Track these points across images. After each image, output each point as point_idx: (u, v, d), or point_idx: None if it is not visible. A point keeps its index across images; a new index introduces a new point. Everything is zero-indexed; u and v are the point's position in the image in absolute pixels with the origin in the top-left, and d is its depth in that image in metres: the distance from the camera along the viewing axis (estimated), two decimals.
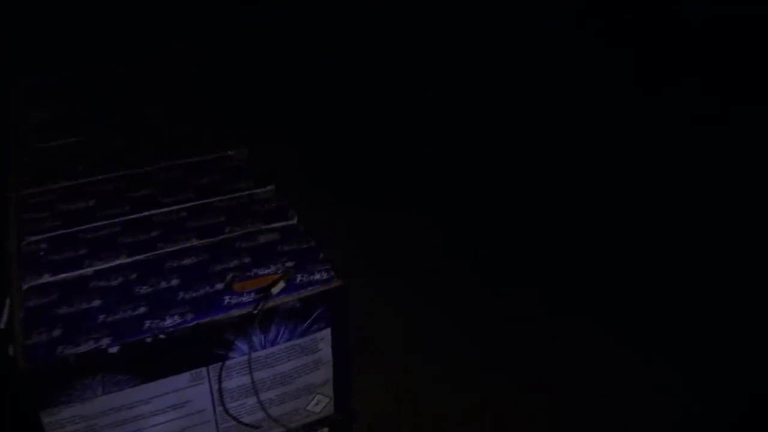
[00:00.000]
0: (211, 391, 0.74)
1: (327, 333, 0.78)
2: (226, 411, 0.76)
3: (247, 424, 0.79)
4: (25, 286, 0.75)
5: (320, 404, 0.83)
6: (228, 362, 0.73)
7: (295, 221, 0.88)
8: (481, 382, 0.96)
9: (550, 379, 0.98)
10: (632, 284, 1.16)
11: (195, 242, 0.83)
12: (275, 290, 0.74)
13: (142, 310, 0.72)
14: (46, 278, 0.77)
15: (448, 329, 1.06)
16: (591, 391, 0.97)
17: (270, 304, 0.73)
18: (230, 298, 0.73)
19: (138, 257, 0.81)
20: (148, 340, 0.68)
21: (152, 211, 0.89)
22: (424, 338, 1.05)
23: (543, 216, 1.33)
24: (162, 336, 0.69)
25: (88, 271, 0.78)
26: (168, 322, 0.70)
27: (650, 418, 0.92)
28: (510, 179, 1.42)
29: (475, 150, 1.50)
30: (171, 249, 0.82)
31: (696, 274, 1.16)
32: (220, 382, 0.74)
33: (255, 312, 0.72)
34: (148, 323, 0.70)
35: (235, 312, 0.72)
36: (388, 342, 1.04)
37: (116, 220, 0.88)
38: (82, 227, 0.86)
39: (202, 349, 0.71)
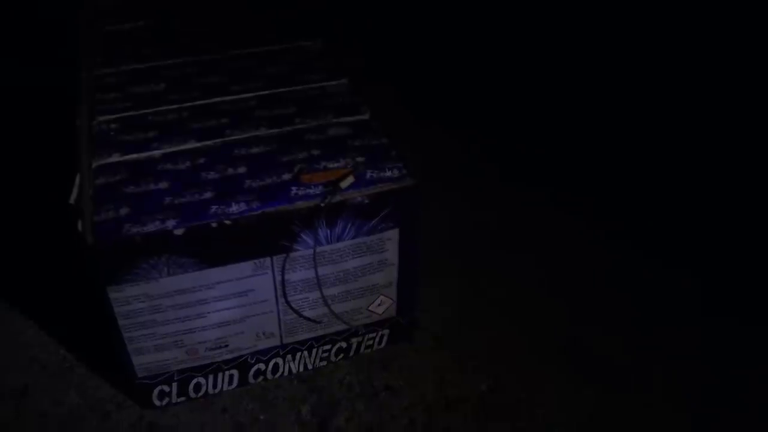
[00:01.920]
0: (274, 282, 0.73)
1: (395, 233, 0.75)
2: (288, 303, 0.75)
3: (308, 318, 0.78)
4: (95, 164, 0.74)
5: (383, 306, 0.81)
6: (292, 254, 0.72)
7: (367, 116, 0.83)
8: (546, 306, 0.92)
9: (602, 301, 0.93)
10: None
11: (264, 131, 0.80)
12: (344, 184, 0.71)
13: (208, 195, 0.70)
14: (116, 158, 0.76)
15: (513, 253, 1.01)
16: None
17: (338, 198, 0.70)
18: (297, 189, 0.70)
19: (206, 143, 0.78)
20: (213, 224, 0.67)
21: (222, 98, 0.86)
22: (489, 260, 1.00)
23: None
24: (227, 222, 0.67)
25: (157, 153, 0.77)
26: (234, 208, 0.68)
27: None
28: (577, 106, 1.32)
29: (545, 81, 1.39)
30: (239, 137, 0.79)
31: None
32: (283, 273, 0.73)
33: (322, 205, 0.69)
34: (213, 208, 0.68)
35: (302, 203, 0.69)
36: (455, 257, 1.00)
37: (186, 105, 0.85)
38: (152, 110, 0.85)
39: (266, 238, 0.70)
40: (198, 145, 0.78)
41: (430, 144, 1.21)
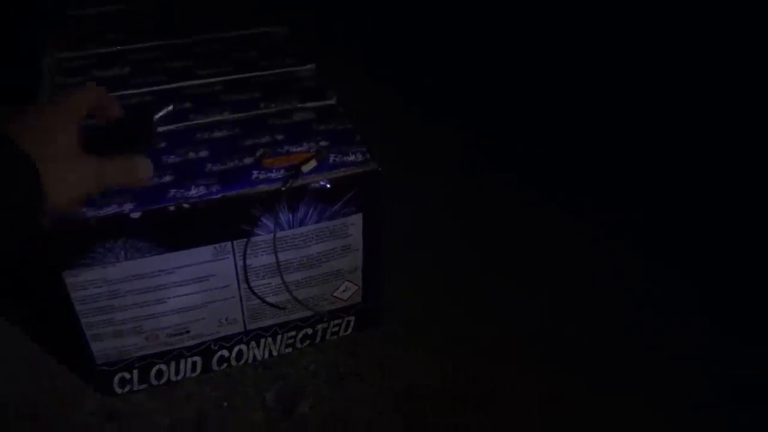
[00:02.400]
0: (236, 267, 0.72)
1: (358, 218, 0.74)
2: (251, 289, 0.75)
3: (271, 304, 0.77)
4: None
5: (348, 291, 0.81)
6: (254, 239, 0.71)
7: (333, 101, 0.82)
8: (524, 298, 0.92)
9: (584, 293, 0.93)
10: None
11: (228, 116, 0.79)
12: (306, 168, 0.70)
13: (167, 178, 0.69)
14: None
15: (493, 244, 1.01)
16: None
17: (299, 182, 0.69)
18: (259, 173, 0.70)
19: (168, 127, 0.77)
20: (171, 208, 0.66)
21: (187, 83, 0.85)
22: (466, 249, 1.00)
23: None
24: (186, 205, 0.66)
25: None
26: (193, 192, 0.67)
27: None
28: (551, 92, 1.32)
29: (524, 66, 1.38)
30: (202, 121, 0.78)
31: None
32: (244, 258, 0.72)
33: (283, 189, 0.68)
34: (172, 192, 0.67)
35: (263, 187, 0.69)
36: (430, 244, 1.00)
37: (149, 89, 0.84)
38: (116, 94, 0.83)
39: (226, 222, 0.69)
40: (160, 129, 0.77)
41: (421, 134, 1.21)
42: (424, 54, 1.42)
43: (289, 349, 0.83)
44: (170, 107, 0.55)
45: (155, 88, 0.84)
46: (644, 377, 0.81)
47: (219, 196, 0.67)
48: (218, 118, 0.79)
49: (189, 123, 0.78)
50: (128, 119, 0.53)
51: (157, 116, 0.54)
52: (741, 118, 1.17)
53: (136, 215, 0.65)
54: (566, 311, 0.90)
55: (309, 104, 0.82)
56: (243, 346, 0.80)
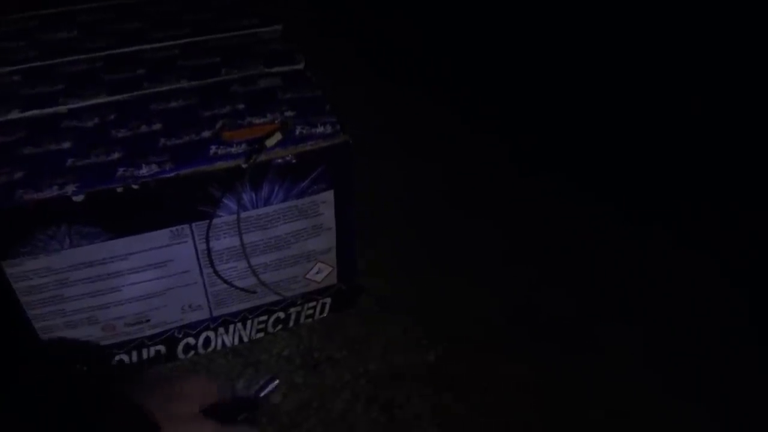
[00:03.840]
0: (196, 251, 0.66)
1: (329, 195, 0.68)
2: (217, 274, 0.69)
3: (241, 289, 0.72)
4: None
5: (322, 273, 0.75)
6: (215, 221, 0.65)
7: (301, 66, 0.75)
8: (504, 271, 0.87)
9: (573, 265, 0.88)
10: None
11: (185, 83, 0.72)
12: (270, 142, 0.63)
13: (116, 155, 0.62)
14: (15, 114, 0.67)
15: (472, 217, 0.95)
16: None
17: (262, 157, 0.63)
18: (217, 148, 0.63)
19: (119, 97, 0.70)
20: (119, 189, 0.59)
21: (141, 47, 0.78)
22: (445, 224, 0.94)
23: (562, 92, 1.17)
24: (135, 186, 0.60)
25: (62, 108, 0.68)
26: (144, 170, 0.60)
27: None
28: (538, 57, 1.25)
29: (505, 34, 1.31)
30: (157, 89, 0.71)
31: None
32: (207, 242, 0.66)
33: (244, 166, 0.62)
34: (120, 171, 0.60)
35: (222, 164, 0.62)
36: (408, 219, 0.94)
37: (100, 54, 0.77)
38: (61, 60, 0.76)
39: (183, 204, 0.62)
40: (110, 99, 0.70)
41: (406, 108, 1.14)
42: (415, 26, 1.35)
43: (261, 334, 0.78)
44: (276, 382, 0.63)
45: (106, 52, 0.77)
46: (639, 360, 0.77)
47: (172, 174, 0.61)
48: (175, 86, 0.72)
49: (142, 92, 0.71)
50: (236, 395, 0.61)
51: (262, 393, 0.62)
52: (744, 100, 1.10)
53: (78, 198, 0.58)
54: (551, 290, 0.85)
55: (275, 69, 0.74)
56: (210, 333, 0.75)
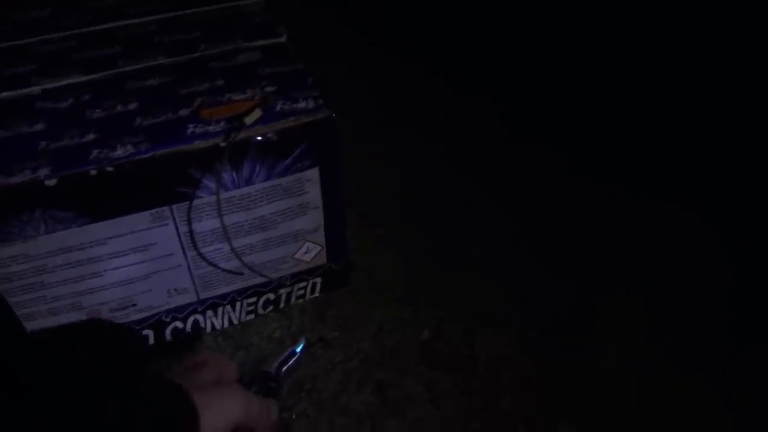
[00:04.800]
0: (179, 234, 0.64)
1: (314, 173, 0.66)
2: (201, 255, 0.67)
3: (228, 271, 0.70)
4: None
5: (311, 253, 0.73)
6: (196, 202, 0.63)
7: (284, 39, 0.73)
8: (499, 250, 0.85)
9: (572, 241, 0.86)
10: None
11: (163, 60, 0.70)
12: (250, 119, 0.61)
13: (90, 137, 0.60)
14: None
15: (469, 193, 0.93)
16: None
17: (242, 135, 0.60)
18: (195, 127, 0.61)
19: (94, 76, 0.68)
20: (93, 172, 0.57)
21: (116, 23, 0.75)
22: (439, 200, 0.92)
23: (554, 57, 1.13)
24: (109, 168, 0.57)
25: (35, 89, 0.66)
26: (119, 152, 0.58)
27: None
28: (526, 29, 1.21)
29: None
30: (133, 67, 0.69)
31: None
32: (189, 223, 0.64)
33: (223, 144, 0.60)
34: (94, 153, 0.58)
35: (200, 143, 0.60)
36: (401, 195, 0.92)
37: (74, 32, 0.74)
38: (34, 39, 0.73)
39: (161, 186, 0.60)
40: (84, 78, 0.68)
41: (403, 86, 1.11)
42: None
43: (252, 316, 0.77)
44: (299, 353, 0.64)
45: (81, 30, 0.74)
46: (625, 346, 0.75)
47: (148, 155, 0.58)
48: (152, 63, 0.69)
49: (118, 70, 0.68)
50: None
51: (284, 368, 0.63)
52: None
53: (51, 182, 0.56)
54: (549, 266, 0.83)
55: (255, 43, 0.72)
56: (198, 316, 0.73)
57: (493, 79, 1.12)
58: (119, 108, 0.63)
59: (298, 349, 0.66)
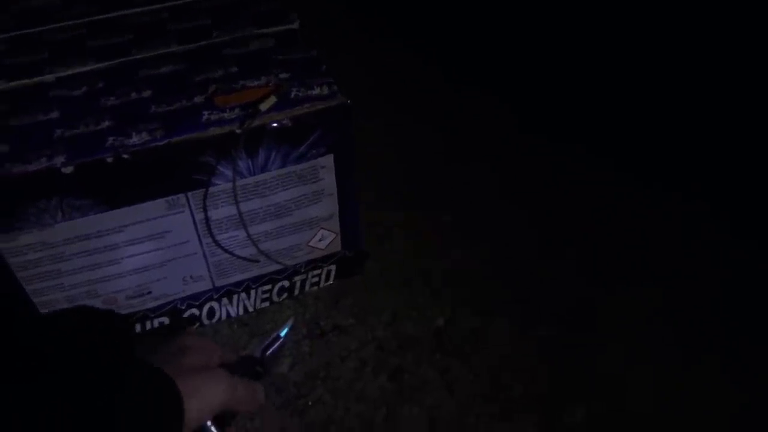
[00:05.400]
0: (194, 221, 0.64)
1: (329, 160, 0.66)
2: (216, 242, 0.67)
3: (243, 258, 0.70)
4: None
5: (325, 240, 0.73)
6: (211, 189, 0.63)
7: (296, 26, 0.72)
8: (511, 237, 0.84)
9: (579, 228, 0.86)
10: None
11: (175, 48, 0.69)
12: (264, 106, 0.61)
13: (105, 124, 0.60)
14: (1, 85, 0.65)
15: (480, 180, 0.92)
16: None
17: (257, 122, 0.60)
18: (210, 114, 0.61)
19: (107, 63, 0.68)
20: (109, 160, 0.57)
21: (127, 11, 0.75)
22: (450, 187, 0.92)
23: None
24: (126, 156, 0.57)
25: (49, 78, 0.66)
26: (134, 139, 0.58)
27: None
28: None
29: None
30: (146, 55, 0.69)
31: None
32: (205, 211, 0.64)
33: (238, 131, 0.60)
34: (110, 140, 0.58)
35: (215, 130, 0.60)
36: (413, 182, 0.92)
37: (86, 20, 0.74)
38: (47, 27, 0.73)
39: (176, 172, 0.60)
40: (98, 66, 0.68)
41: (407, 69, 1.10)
42: None
43: (266, 304, 0.77)
44: (283, 334, 0.59)
45: (92, 18, 0.74)
46: (634, 332, 0.75)
47: (164, 142, 0.58)
48: (165, 50, 0.69)
49: (131, 58, 0.68)
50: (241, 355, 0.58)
51: (268, 352, 0.58)
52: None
53: (68, 170, 0.56)
54: (558, 253, 0.83)
55: (268, 30, 0.71)
56: (214, 304, 0.73)
57: (499, 74, 1.11)
58: (133, 95, 0.63)
59: (283, 333, 0.62)
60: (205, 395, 0.46)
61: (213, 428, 0.50)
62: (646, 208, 0.88)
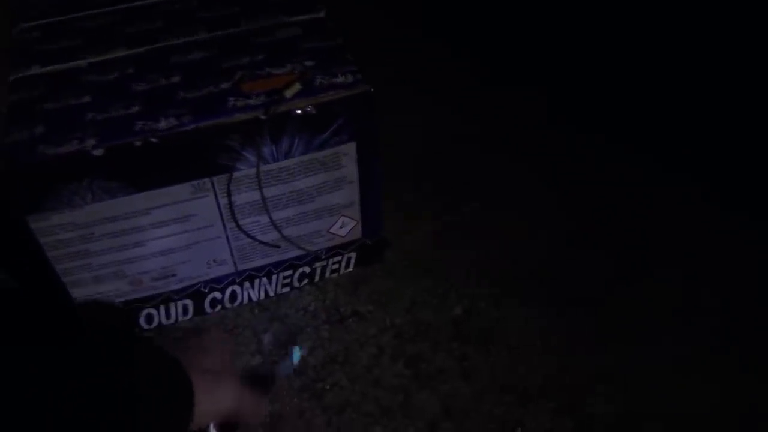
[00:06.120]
0: (218, 206, 0.66)
1: (351, 147, 0.67)
2: (240, 228, 0.68)
3: (265, 243, 0.71)
4: (11, 78, 0.66)
5: (346, 227, 0.74)
6: (236, 174, 0.64)
7: (322, 14, 0.73)
8: (531, 225, 0.85)
9: (599, 219, 0.86)
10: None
11: (204, 35, 0.71)
12: (289, 93, 0.62)
13: (135, 109, 0.62)
14: (36, 69, 0.67)
15: (499, 168, 0.93)
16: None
17: (282, 108, 0.61)
18: (236, 100, 0.62)
19: (138, 50, 0.69)
20: (138, 143, 0.59)
21: None
22: (470, 175, 0.92)
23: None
24: (154, 140, 0.59)
25: (82, 63, 0.68)
26: (162, 124, 0.60)
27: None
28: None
29: None
30: (176, 42, 0.70)
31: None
32: (229, 195, 0.65)
33: (263, 117, 0.61)
34: (139, 124, 0.60)
35: (241, 116, 0.61)
36: (434, 170, 0.92)
37: (118, 7, 0.76)
38: (80, 14, 0.75)
39: (202, 157, 0.62)
40: (129, 52, 0.69)
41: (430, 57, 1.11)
42: None
43: (287, 289, 0.78)
44: (296, 359, 0.63)
45: (125, 5, 0.76)
46: (652, 321, 0.75)
47: (191, 127, 0.60)
48: (194, 38, 0.71)
49: (161, 45, 0.70)
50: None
51: (280, 371, 0.63)
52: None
53: (98, 152, 0.58)
54: (577, 244, 0.83)
55: (295, 18, 0.72)
56: (236, 287, 0.75)
57: (529, 65, 1.10)
58: (162, 81, 0.65)
59: (296, 359, 0.65)
60: (215, 399, 0.48)
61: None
62: (673, 200, 0.87)
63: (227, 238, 0.69)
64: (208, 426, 0.51)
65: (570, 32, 1.13)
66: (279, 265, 0.75)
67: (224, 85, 0.64)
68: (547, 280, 0.78)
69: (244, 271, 0.73)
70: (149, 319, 0.74)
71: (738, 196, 0.85)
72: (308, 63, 0.66)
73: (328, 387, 0.70)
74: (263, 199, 0.65)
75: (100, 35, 0.71)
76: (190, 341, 0.53)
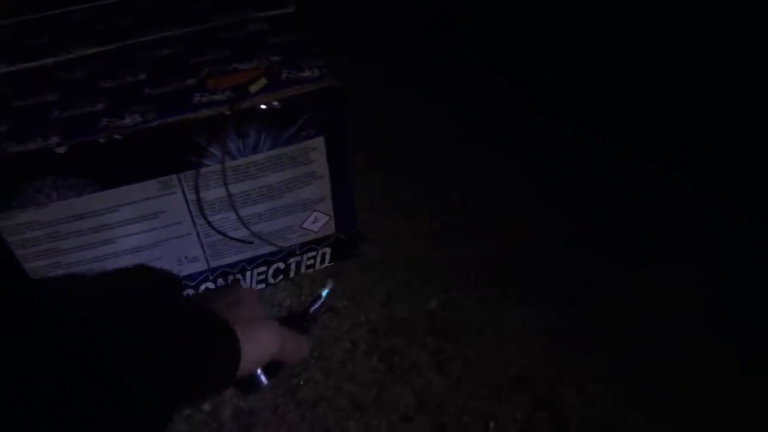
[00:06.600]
0: (187, 202, 0.65)
1: (319, 142, 0.66)
2: (209, 223, 0.68)
3: (236, 239, 0.71)
4: None
5: (318, 222, 0.74)
6: (203, 170, 0.64)
7: (292, 9, 0.73)
8: (510, 217, 0.84)
9: (582, 212, 0.85)
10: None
11: (174, 31, 0.71)
12: (254, 88, 0.62)
13: (100, 106, 0.61)
14: (3, 68, 0.67)
15: (480, 160, 0.92)
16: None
17: (246, 103, 0.61)
18: (201, 96, 0.62)
19: (107, 47, 0.69)
20: (102, 140, 0.59)
21: None
22: (451, 168, 0.92)
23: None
24: (117, 137, 0.59)
25: (50, 61, 0.68)
26: (127, 120, 0.60)
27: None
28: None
29: None
30: (145, 38, 0.70)
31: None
32: (197, 192, 0.65)
33: (228, 113, 0.61)
34: (104, 122, 0.60)
35: (205, 112, 0.61)
36: (401, 165, 0.92)
37: (90, 5, 0.76)
38: (50, 12, 0.75)
39: (168, 154, 0.62)
40: (98, 49, 0.69)
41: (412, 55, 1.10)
42: None
43: (262, 285, 0.78)
44: (324, 293, 0.73)
45: (95, 3, 0.76)
46: (648, 316, 0.74)
47: (155, 124, 0.60)
48: (163, 34, 0.70)
49: (131, 42, 0.70)
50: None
51: (313, 308, 0.71)
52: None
53: (61, 150, 0.58)
54: (559, 238, 0.83)
55: (264, 13, 0.72)
56: (210, 285, 0.75)
57: (515, 59, 1.10)
58: (129, 78, 0.65)
59: (324, 293, 0.72)
60: (260, 344, 0.51)
61: (262, 376, 0.58)
62: (671, 200, 0.87)
63: (198, 234, 0.69)
64: (255, 371, 0.56)
65: (568, 32, 1.13)
66: (253, 261, 0.74)
67: (190, 82, 0.63)
68: (545, 280, 0.78)
69: (217, 267, 0.73)
70: None
71: (737, 196, 0.85)
72: (275, 58, 0.65)
73: (302, 382, 0.70)
74: (229, 194, 0.65)
75: (71, 33, 0.71)
76: (223, 296, 0.55)
